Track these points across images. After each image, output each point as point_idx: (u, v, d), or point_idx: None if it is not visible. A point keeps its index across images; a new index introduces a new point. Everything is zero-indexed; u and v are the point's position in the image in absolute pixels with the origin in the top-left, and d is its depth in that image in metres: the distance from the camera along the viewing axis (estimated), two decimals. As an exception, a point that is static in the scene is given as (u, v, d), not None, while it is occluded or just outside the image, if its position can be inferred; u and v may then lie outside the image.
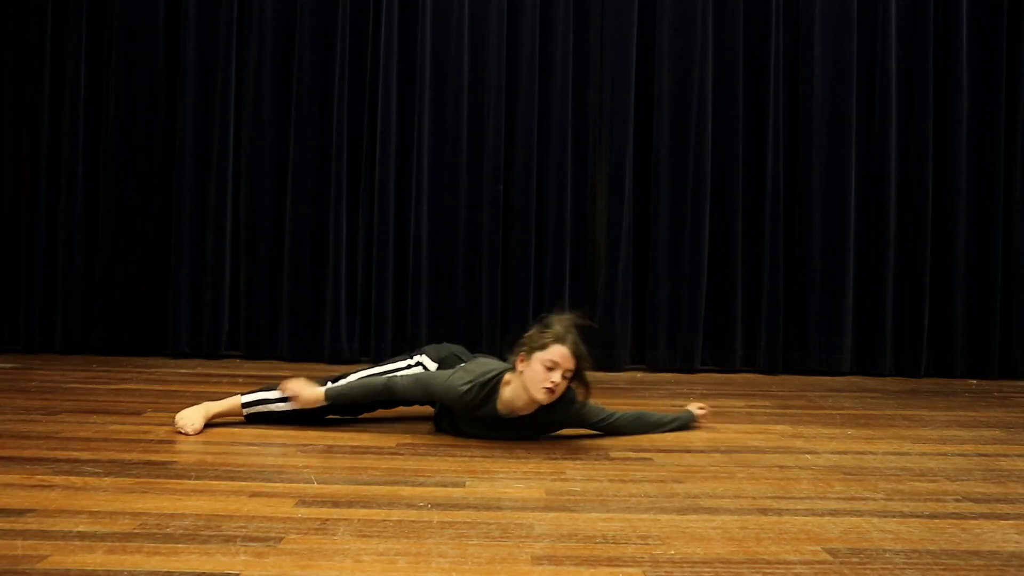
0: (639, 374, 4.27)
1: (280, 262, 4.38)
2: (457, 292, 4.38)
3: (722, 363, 4.47)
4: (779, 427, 2.84)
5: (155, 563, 1.42)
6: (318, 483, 1.95)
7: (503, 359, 2.57)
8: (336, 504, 1.79)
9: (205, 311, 4.32)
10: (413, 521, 1.69)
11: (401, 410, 2.73)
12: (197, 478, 1.95)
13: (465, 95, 4.41)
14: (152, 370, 3.75)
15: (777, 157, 4.45)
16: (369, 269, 4.40)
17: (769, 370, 4.41)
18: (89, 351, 4.30)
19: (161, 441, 2.34)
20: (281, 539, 1.56)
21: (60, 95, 4.34)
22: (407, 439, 2.46)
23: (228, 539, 1.55)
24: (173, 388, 3.27)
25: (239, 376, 3.68)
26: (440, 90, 4.42)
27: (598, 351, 4.45)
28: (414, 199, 4.38)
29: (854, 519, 1.79)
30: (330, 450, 2.31)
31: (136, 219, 4.35)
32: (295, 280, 4.35)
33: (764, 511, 1.83)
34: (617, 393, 3.53)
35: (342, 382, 2.57)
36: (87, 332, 4.33)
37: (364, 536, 1.59)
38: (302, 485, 1.93)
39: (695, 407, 2.86)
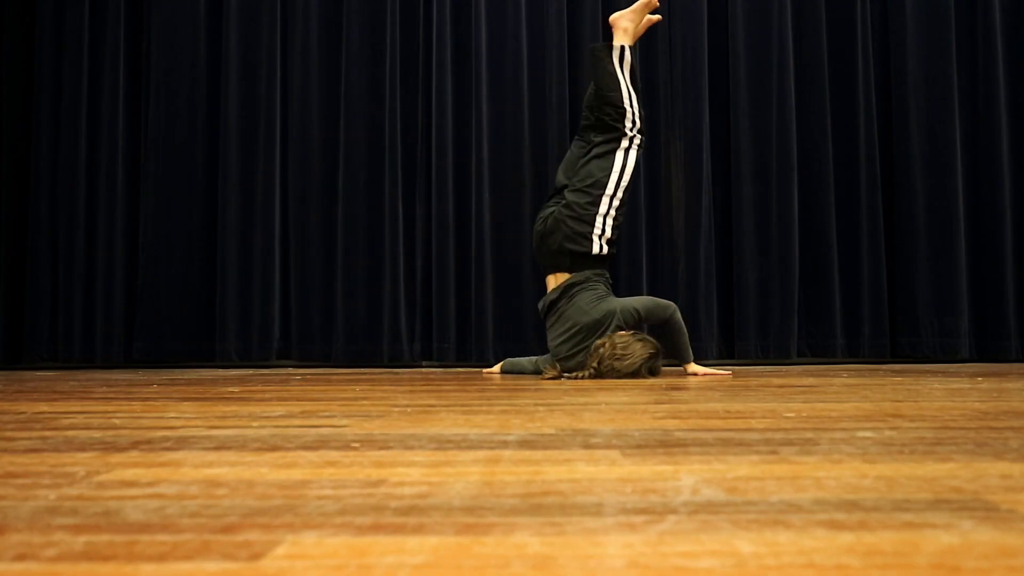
0: (728, 367, 3.83)
1: (333, 261, 4.06)
2: (525, 284, 4.01)
3: (821, 352, 4.03)
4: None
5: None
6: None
7: None
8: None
9: (254, 317, 4.00)
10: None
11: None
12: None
13: (524, 72, 4.11)
14: (190, 376, 3.41)
15: (870, 119, 4.06)
16: (429, 264, 4.07)
17: (875, 358, 3.96)
18: (132, 363, 4.00)
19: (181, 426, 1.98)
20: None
21: (98, 94, 4.12)
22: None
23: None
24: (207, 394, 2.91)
25: (294, 376, 3.31)
26: (498, 67, 4.12)
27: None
28: (475, 186, 4.06)
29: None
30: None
31: (179, 221, 4.08)
32: (350, 280, 4.03)
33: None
34: (702, 392, 3.10)
35: None
36: (129, 343, 4.03)
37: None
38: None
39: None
